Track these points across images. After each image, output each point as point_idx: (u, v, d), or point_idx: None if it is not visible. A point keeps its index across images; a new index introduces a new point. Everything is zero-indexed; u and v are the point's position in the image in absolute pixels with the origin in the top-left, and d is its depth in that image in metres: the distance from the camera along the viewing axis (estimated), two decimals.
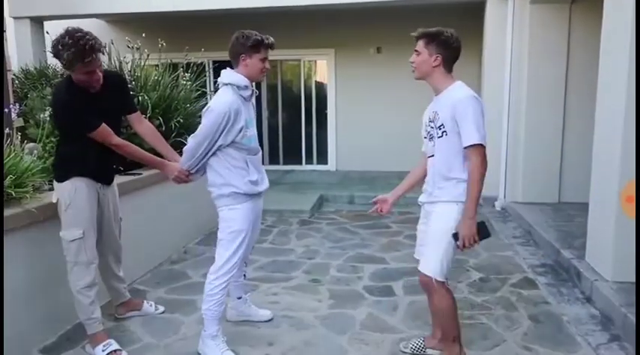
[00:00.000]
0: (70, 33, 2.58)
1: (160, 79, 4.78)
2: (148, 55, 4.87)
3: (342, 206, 6.80)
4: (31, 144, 3.39)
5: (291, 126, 9.54)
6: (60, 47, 2.56)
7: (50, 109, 2.94)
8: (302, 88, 9.43)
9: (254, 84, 2.87)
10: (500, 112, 6.37)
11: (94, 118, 2.73)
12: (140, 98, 4.42)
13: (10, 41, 7.54)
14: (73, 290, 2.86)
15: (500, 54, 6.35)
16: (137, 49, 4.82)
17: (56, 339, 3.05)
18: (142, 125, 3.13)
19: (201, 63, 5.39)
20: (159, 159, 3.05)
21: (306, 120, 9.45)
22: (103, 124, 2.75)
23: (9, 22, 7.71)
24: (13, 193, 2.79)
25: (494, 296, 3.69)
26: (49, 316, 3.03)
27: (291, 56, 9.16)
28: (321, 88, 9.42)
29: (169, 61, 5.13)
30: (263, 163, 2.98)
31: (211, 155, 2.76)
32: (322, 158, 9.43)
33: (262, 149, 2.97)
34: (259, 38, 2.70)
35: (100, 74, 2.72)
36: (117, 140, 2.85)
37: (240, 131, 2.70)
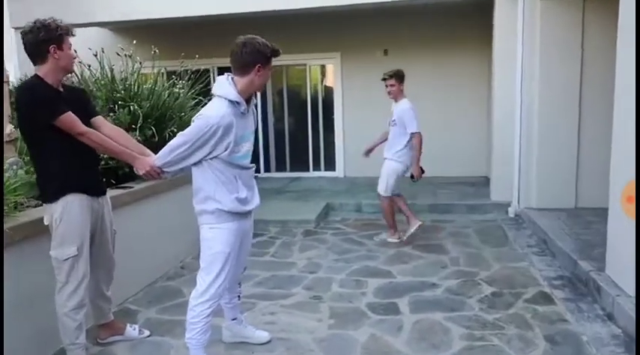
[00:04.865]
0: (41, 20, 2.63)
1: (153, 87, 4.59)
2: (140, 63, 4.70)
3: (349, 214, 6.57)
4: (12, 159, 3.23)
5: (298, 132, 9.33)
6: (48, 25, 2.60)
7: (16, 112, 2.84)
8: (308, 92, 9.22)
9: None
10: (511, 114, 6.11)
11: (61, 104, 2.63)
12: (131, 108, 4.24)
13: (12, 52, 7.49)
14: (59, 313, 2.70)
15: (511, 53, 6.07)
16: (129, 56, 4.64)
17: None
18: (107, 128, 2.96)
19: (197, 70, 5.22)
20: (129, 151, 2.84)
21: (312, 126, 9.23)
22: (69, 112, 2.62)
23: (11, 33, 7.67)
24: None
25: (506, 313, 3.43)
26: (29, 342, 2.85)
27: (297, 61, 8.93)
28: (327, 92, 9.20)
29: (163, 69, 4.96)
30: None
31: (196, 164, 2.54)
32: (330, 164, 9.19)
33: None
34: (275, 47, 2.56)
35: None
36: (84, 128, 2.70)
37: (227, 148, 2.49)
